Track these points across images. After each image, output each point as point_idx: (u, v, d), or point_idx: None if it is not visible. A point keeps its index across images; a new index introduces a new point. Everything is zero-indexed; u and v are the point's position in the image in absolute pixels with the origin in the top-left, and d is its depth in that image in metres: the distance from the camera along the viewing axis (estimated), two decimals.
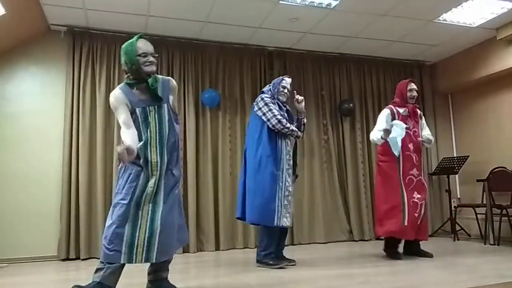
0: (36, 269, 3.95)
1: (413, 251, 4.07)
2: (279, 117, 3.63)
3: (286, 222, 3.59)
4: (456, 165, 5.62)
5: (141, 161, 2.46)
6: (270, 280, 3.16)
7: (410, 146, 3.94)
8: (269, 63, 5.52)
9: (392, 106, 4.06)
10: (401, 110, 4.01)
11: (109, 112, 4.71)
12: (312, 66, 5.71)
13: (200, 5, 4.31)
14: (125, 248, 2.38)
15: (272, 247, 3.64)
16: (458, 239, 5.31)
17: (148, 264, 2.62)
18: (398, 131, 3.84)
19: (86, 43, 4.76)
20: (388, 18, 4.70)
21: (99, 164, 4.56)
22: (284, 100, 3.85)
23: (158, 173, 2.47)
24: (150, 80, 2.47)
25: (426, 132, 4.17)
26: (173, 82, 2.64)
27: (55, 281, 3.53)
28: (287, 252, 3.97)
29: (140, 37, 2.53)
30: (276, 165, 3.62)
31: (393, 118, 3.95)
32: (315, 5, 4.35)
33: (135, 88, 2.49)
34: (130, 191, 2.42)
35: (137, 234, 2.40)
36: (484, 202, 5.04)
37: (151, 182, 2.45)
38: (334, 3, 4.33)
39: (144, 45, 2.49)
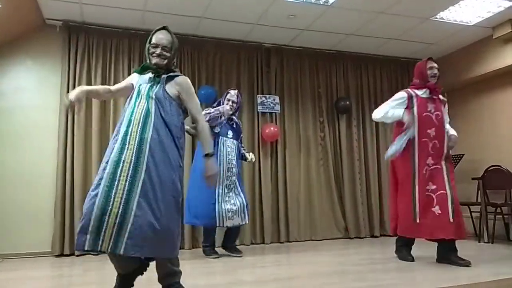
0: (30, 265, 3.94)
1: (445, 257, 3.41)
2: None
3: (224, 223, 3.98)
4: None
5: (121, 133, 2.33)
6: (265, 277, 3.16)
7: (430, 131, 3.45)
8: (266, 60, 5.51)
9: (409, 89, 3.61)
10: (420, 92, 3.55)
11: (104, 107, 4.70)
12: (309, 63, 5.70)
13: (197, 0, 4.29)
14: (90, 234, 2.11)
15: (209, 242, 4.13)
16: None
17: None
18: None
19: (82, 38, 4.73)
20: (385, 15, 4.70)
21: (94, 160, 4.54)
22: (230, 112, 4.10)
23: (136, 146, 2.27)
24: (154, 70, 2.48)
25: (451, 131, 3.60)
26: (180, 78, 2.52)
27: (49, 277, 3.52)
28: (283, 249, 3.95)
29: (163, 28, 2.53)
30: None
31: (410, 103, 3.50)
32: (313, 1, 4.34)
33: (144, 73, 2.53)
34: (102, 168, 2.26)
35: (106, 217, 2.13)
36: (479, 200, 5.05)
37: (127, 156, 2.24)
38: (331, 0, 4.32)
39: (158, 37, 2.49)
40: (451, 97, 6.24)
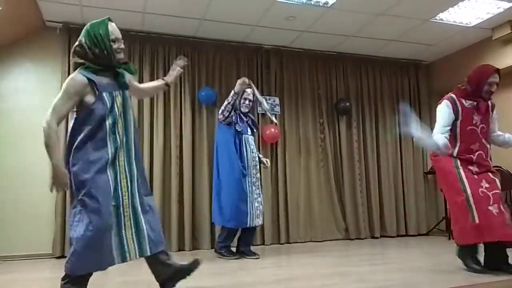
0: (30, 266, 3.94)
1: (495, 262, 3.00)
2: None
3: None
4: None
5: (109, 150, 2.27)
6: (265, 278, 3.17)
7: (474, 146, 3.05)
8: (265, 62, 5.52)
9: (455, 97, 3.10)
10: (466, 103, 3.07)
11: None
12: (309, 64, 5.71)
13: (197, 2, 4.30)
14: (116, 250, 2.25)
15: (228, 242, 4.07)
16: (453, 238, 5.31)
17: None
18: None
19: None
20: (385, 17, 4.70)
21: None
22: (247, 111, 4.13)
23: (126, 160, 2.33)
24: (127, 67, 2.40)
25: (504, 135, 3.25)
26: (128, 75, 2.47)
27: (49, 279, 3.51)
28: (283, 250, 3.96)
29: (109, 20, 2.36)
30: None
31: (456, 115, 3.06)
32: (312, 3, 4.35)
33: (97, 74, 2.29)
34: (106, 186, 2.25)
35: (124, 231, 2.27)
36: None
37: (121, 178, 2.31)
38: (331, 2, 4.33)
39: (115, 30, 2.33)
40: None
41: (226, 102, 4.04)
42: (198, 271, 3.58)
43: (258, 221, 4.06)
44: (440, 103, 3.19)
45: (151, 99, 4.91)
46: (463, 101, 3.09)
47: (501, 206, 2.92)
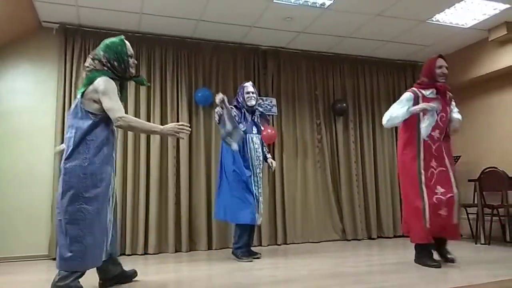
0: (27, 268, 3.92)
1: (438, 252, 3.52)
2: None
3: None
4: None
5: (113, 150, 2.68)
6: (262, 279, 3.16)
7: (434, 133, 3.38)
8: (263, 62, 5.52)
9: (415, 89, 3.50)
10: (426, 92, 3.46)
11: None
12: (306, 65, 5.71)
13: (194, 3, 4.29)
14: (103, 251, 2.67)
15: (242, 242, 3.98)
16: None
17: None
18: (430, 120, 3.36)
19: (78, 41, 4.73)
20: (381, 18, 4.71)
21: None
22: (254, 103, 4.08)
23: (115, 164, 2.82)
24: (138, 80, 2.77)
25: (455, 115, 3.59)
26: (143, 78, 2.97)
27: (46, 281, 3.49)
28: (280, 251, 3.99)
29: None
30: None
31: (416, 103, 3.41)
32: (309, 4, 4.36)
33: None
34: (107, 187, 2.62)
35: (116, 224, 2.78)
36: (476, 202, 5.07)
37: (113, 175, 2.71)
38: (328, 3, 4.34)
39: (130, 47, 2.72)
40: None
41: (216, 116, 3.94)
42: (194, 273, 3.59)
43: (261, 220, 4.10)
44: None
45: (148, 100, 4.91)
46: (423, 91, 3.48)
47: (454, 208, 3.34)
